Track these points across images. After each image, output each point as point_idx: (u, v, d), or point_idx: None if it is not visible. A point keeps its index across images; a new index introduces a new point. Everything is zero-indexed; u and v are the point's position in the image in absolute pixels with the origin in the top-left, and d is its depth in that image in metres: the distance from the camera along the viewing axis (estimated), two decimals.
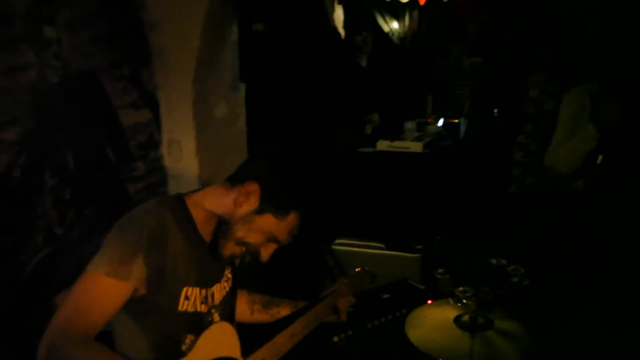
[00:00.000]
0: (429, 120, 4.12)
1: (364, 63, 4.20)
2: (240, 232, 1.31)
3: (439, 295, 1.57)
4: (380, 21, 4.96)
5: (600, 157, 1.94)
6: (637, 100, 1.98)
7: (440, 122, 4.06)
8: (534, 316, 1.51)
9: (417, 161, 3.48)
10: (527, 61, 3.18)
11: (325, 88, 3.64)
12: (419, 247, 3.05)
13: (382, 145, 3.60)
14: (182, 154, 2.73)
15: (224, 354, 1.35)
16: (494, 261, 1.47)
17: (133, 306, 1.24)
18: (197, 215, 1.34)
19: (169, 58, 2.62)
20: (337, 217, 3.33)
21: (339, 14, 4.47)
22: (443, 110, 4.27)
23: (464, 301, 1.45)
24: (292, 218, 1.32)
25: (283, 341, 1.47)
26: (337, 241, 3.23)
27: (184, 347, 1.31)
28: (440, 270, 1.50)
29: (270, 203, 1.30)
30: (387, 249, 2.96)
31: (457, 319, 1.46)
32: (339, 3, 4.44)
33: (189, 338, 1.32)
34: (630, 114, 1.93)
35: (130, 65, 2.52)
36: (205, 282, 1.36)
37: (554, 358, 1.41)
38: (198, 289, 1.34)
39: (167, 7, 2.55)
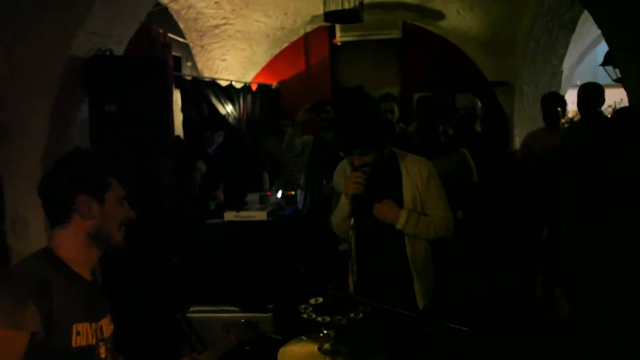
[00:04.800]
0: (269, 193, 4.51)
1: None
2: (109, 225, 1.49)
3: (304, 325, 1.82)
4: (217, 104, 5.35)
5: None
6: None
7: (279, 194, 4.47)
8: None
9: (262, 228, 3.80)
10: (345, 139, 3.74)
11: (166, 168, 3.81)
12: (270, 306, 3.30)
13: (229, 216, 3.86)
14: (29, 232, 2.67)
15: None
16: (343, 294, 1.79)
17: (33, 351, 1.30)
18: (67, 259, 1.46)
19: (15, 135, 2.62)
20: (190, 287, 3.43)
21: (176, 99, 4.73)
22: (279, 184, 4.70)
23: (325, 331, 1.73)
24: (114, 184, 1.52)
25: None
26: (192, 309, 3.32)
27: None
28: (303, 306, 1.77)
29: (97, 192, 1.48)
30: (241, 311, 3.15)
31: (320, 348, 1.69)
32: (176, 88, 4.71)
33: None
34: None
35: None
36: (92, 316, 1.47)
37: None
38: (88, 324, 1.44)
39: (14, 84, 2.57)
